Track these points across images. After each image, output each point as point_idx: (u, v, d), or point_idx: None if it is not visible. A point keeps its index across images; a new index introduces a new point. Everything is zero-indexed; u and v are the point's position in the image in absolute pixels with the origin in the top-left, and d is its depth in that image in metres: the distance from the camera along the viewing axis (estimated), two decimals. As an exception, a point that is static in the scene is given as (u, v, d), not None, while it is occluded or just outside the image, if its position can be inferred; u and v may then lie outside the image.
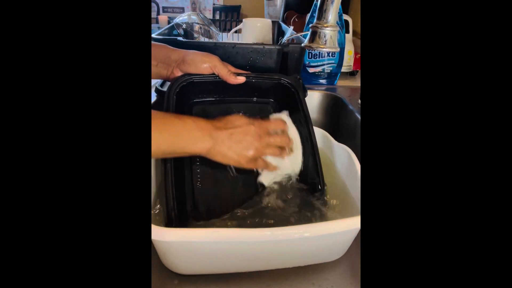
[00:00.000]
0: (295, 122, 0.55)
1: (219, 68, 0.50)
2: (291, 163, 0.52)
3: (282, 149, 0.49)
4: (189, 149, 0.42)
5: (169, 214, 0.41)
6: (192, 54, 0.51)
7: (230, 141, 0.44)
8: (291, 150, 0.52)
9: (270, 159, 0.49)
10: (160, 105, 0.52)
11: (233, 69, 0.53)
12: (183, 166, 0.51)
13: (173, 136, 0.40)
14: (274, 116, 0.54)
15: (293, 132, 0.53)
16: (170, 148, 0.40)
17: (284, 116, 0.54)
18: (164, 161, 0.44)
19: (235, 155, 0.44)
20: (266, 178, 0.51)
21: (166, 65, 0.51)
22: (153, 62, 0.51)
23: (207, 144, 0.42)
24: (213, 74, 0.51)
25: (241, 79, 0.51)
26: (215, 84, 0.52)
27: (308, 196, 0.50)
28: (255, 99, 0.59)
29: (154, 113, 0.39)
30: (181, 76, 0.51)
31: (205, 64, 0.50)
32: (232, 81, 0.51)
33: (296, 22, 1.16)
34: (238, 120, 0.46)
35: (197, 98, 0.56)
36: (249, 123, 0.46)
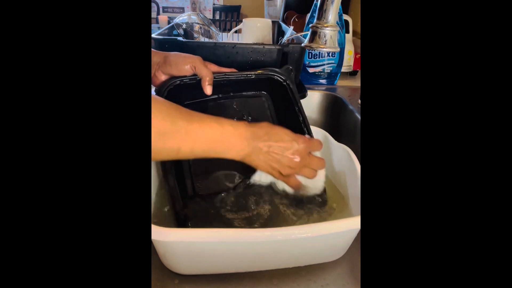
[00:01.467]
0: (287, 115, 0.55)
1: (199, 68, 0.49)
2: (315, 183, 0.50)
3: (315, 171, 0.47)
4: (225, 155, 0.40)
5: (177, 213, 0.42)
6: (174, 56, 0.50)
7: (267, 154, 0.42)
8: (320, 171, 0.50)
9: (300, 178, 0.47)
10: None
11: (216, 68, 0.52)
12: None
13: (210, 141, 0.38)
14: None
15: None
16: (205, 152, 0.39)
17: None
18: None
19: (269, 168, 0.43)
20: (264, 178, 0.49)
21: None
22: None
23: (242, 153, 0.41)
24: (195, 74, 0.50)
25: (208, 91, 0.50)
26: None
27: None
28: (248, 92, 0.58)
29: (192, 113, 0.38)
30: (168, 79, 0.50)
31: (186, 65, 0.49)
32: (204, 86, 0.49)
33: (296, 22, 1.16)
34: (282, 133, 0.43)
35: (188, 100, 0.55)
36: (292, 140, 0.43)
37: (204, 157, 0.40)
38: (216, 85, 0.51)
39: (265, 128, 0.42)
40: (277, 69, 0.54)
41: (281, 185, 0.48)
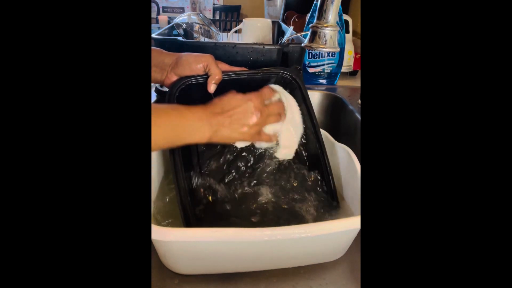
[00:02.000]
0: (296, 114, 0.55)
1: (211, 67, 0.50)
2: (289, 128, 0.53)
3: (279, 115, 0.51)
4: (189, 140, 0.42)
5: (185, 212, 0.42)
6: (186, 56, 0.51)
7: (231, 124, 0.44)
8: (284, 114, 0.53)
9: (269, 128, 0.50)
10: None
11: (227, 67, 0.53)
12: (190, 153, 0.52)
13: (170, 128, 0.40)
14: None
15: (287, 97, 0.54)
16: (169, 141, 0.40)
17: (274, 85, 0.54)
18: (173, 153, 0.44)
19: (238, 135, 0.45)
20: (280, 153, 0.52)
21: (160, 69, 0.51)
22: None
23: (206, 133, 0.42)
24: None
25: (211, 89, 0.50)
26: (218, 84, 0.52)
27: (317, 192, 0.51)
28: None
29: (152, 106, 0.38)
30: (179, 79, 0.50)
31: (199, 64, 0.50)
32: (208, 84, 0.50)
33: (296, 22, 1.16)
34: (234, 100, 0.45)
35: (198, 100, 0.56)
36: (246, 99, 0.45)
37: (170, 146, 0.41)
38: (226, 84, 0.51)
39: (218, 103, 0.45)
40: (286, 68, 0.54)
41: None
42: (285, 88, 0.56)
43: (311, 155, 0.54)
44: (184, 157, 0.46)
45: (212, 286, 0.40)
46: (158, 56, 0.51)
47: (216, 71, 0.50)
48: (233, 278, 0.41)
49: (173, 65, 0.50)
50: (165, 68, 0.51)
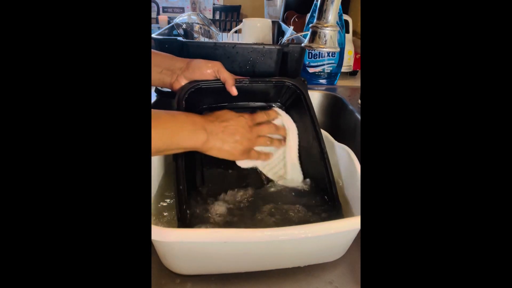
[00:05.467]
0: (300, 126, 0.55)
1: (222, 72, 0.52)
2: (284, 152, 0.54)
3: (275, 140, 0.53)
4: (184, 144, 0.42)
5: (182, 214, 0.42)
6: (196, 61, 0.52)
7: (224, 134, 0.45)
8: (283, 139, 0.54)
9: (263, 149, 0.52)
10: (160, 106, 0.52)
11: (235, 77, 0.54)
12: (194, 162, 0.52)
13: (167, 133, 0.40)
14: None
15: (286, 121, 0.55)
16: (165, 144, 0.40)
17: (277, 109, 0.56)
18: (176, 159, 0.44)
19: (229, 148, 0.46)
20: (266, 170, 0.53)
21: (170, 72, 0.52)
22: (157, 69, 0.52)
23: (201, 138, 0.43)
24: (218, 79, 0.52)
25: (234, 92, 0.52)
26: (223, 90, 0.53)
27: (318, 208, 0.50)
28: (263, 103, 0.60)
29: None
30: (189, 82, 0.52)
31: (209, 70, 0.51)
32: (227, 88, 0.52)
33: (296, 22, 1.16)
34: (228, 114, 0.47)
35: (206, 104, 0.57)
36: (239, 116, 0.48)
37: (166, 151, 0.42)
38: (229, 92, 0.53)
39: (213, 114, 0.47)
40: (291, 78, 0.55)
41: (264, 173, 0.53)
42: (289, 98, 0.57)
43: (314, 166, 0.54)
44: (187, 167, 0.46)
45: (213, 287, 0.40)
46: (170, 60, 0.53)
47: (227, 75, 0.52)
48: (234, 279, 0.41)
49: (184, 69, 0.52)
50: (176, 71, 0.52)
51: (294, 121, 0.56)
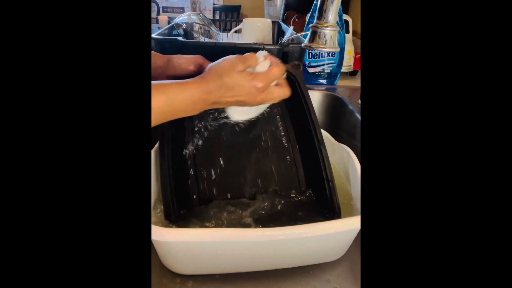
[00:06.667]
0: (294, 117, 0.53)
1: (206, 64, 0.48)
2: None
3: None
4: (187, 114, 0.40)
5: (167, 209, 0.41)
6: (177, 58, 0.50)
7: (229, 99, 0.41)
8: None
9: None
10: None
11: None
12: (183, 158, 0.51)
13: (166, 105, 0.37)
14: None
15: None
16: (164, 117, 0.37)
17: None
18: (162, 154, 0.43)
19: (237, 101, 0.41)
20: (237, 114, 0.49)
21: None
22: None
23: (203, 106, 0.40)
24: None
25: None
26: None
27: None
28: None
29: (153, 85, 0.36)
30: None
31: (190, 66, 0.49)
32: None
33: (296, 22, 1.16)
34: (232, 76, 0.40)
35: None
36: (245, 76, 0.41)
37: (164, 120, 0.39)
38: None
39: (215, 80, 0.40)
40: (285, 64, 0.51)
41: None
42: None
43: (309, 155, 0.52)
44: (174, 157, 0.45)
45: (213, 286, 0.40)
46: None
47: None
48: (234, 278, 0.41)
49: (165, 68, 0.49)
50: (156, 70, 0.50)
51: (290, 108, 0.52)
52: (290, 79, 0.51)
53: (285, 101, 0.53)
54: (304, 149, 0.54)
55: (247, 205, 0.48)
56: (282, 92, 0.45)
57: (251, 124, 0.54)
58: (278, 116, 0.56)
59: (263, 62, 0.44)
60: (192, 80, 0.39)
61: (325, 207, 0.47)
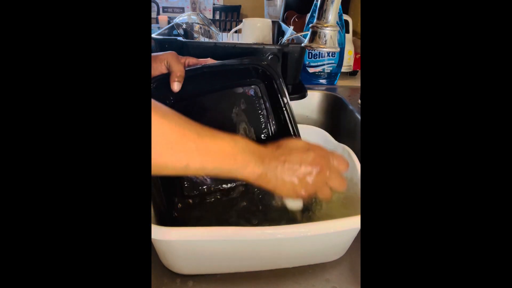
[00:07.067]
0: (273, 110, 0.51)
1: (171, 64, 0.46)
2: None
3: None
4: (237, 174, 0.35)
5: (158, 209, 0.41)
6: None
7: (283, 168, 0.36)
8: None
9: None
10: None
11: (194, 61, 0.50)
12: None
13: (221, 157, 0.34)
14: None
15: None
16: (216, 170, 0.34)
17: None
18: None
19: (288, 185, 0.36)
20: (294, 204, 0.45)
21: None
22: None
23: (258, 171, 0.35)
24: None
25: (175, 87, 0.46)
26: (192, 78, 0.47)
27: None
28: (235, 87, 0.53)
29: (204, 127, 0.33)
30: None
31: (159, 64, 0.46)
32: (171, 82, 0.46)
33: (296, 22, 1.16)
34: (294, 143, 0.39)
35: (173, 99, 0.50)
36: (308, 149, 0.38)
37: (216, 175, 0.36)
38: (194, 78, 0.48)
39: (281, 147, 0.38)
40: (260, 58, 0.50)
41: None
42: (259, 80, 0.51)
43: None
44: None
45: (213, 286, 0.40)
46: None
47: (176, 67, 0.46)
48: (234, 278, 0.41)
49: None
50: None
51: (270, 105, 0.52)
52: (267, 75, 0.50)
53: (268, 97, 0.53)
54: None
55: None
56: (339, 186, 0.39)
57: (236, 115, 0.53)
58: (260, 111, 0.55)
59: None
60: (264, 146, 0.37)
61: None
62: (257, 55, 0.64)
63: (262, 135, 0.54)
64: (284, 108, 0.50)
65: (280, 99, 0.50)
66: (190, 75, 0.48)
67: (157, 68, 0.47)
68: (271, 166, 0.36)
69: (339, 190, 0.39)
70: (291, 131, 0.50)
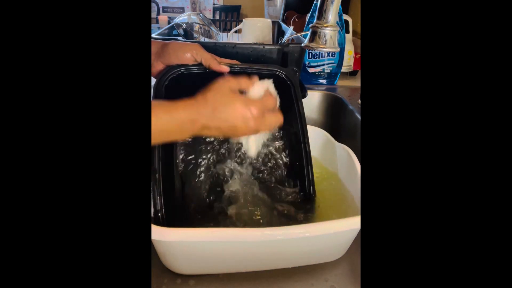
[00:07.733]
0: (286, 121, 0.53)
1: (202, 53, 0.47)
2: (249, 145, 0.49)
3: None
4: (175, 138, 0.38)
5: (156, 214, 0.41)
6: (172, 44, 0.48)
7: (219, 127, 0.38)
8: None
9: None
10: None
11: (219, 59, 0.50)
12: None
13: (158, 126, 0.34)
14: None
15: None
16: (156, 138, 0.35)
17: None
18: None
19: (227, 126, 0.38)
20: (251, 148, 0.47)
21: None
22: None
23: (198, 124, 0.37)
24: (200, 64, 0.47)
25: (225, 68, 0.46)
26: (209, 76, 0.47)
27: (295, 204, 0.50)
28: None
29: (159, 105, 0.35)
30: (169, 68, 0.47)
31: (187, 53, 0.46)
32: (215, 68, 0.46)
33: (296, 22, 1.16)
34: (223, 97, 0.38)
35: (187, 93, 0.49)
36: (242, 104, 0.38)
37: (170, 141, 0.39)
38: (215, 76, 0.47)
39: (206, 99, 0.37)
40: (282, 68, 0.52)
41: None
42: (279, 88, 0.52)
43: (294, 162, 0.53)
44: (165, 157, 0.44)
45: (213, 286, 0.40)
46: None
47: (209, 56, 0.47)
48: (234, 278, 0.41)
49: (159, 54, 0.47)
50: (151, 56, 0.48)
51: (283, 111, 0.53)
52: (287, 84, 0.51)
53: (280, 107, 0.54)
54: (291, 152, 0.55)
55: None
56: (277, 120, 0.42)
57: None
58: None
59: (257, 87, 0.42)
60: (182, 101, 0.37)
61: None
62: (257, 55, 0.64)
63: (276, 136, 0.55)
64: (299, 119, 0.51)
65: (296, 109, 0.51)
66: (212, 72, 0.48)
67: (181, 57, 0.47)
68: (204, 127, 0.37)
69: (279, 122, 0.42)
70: (306, 150, 0.51)
